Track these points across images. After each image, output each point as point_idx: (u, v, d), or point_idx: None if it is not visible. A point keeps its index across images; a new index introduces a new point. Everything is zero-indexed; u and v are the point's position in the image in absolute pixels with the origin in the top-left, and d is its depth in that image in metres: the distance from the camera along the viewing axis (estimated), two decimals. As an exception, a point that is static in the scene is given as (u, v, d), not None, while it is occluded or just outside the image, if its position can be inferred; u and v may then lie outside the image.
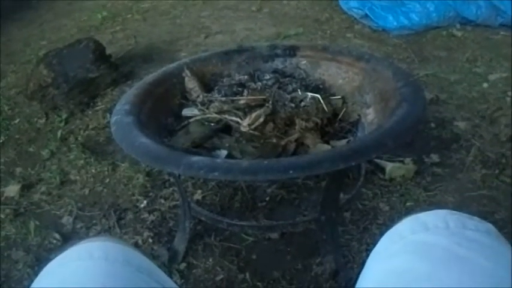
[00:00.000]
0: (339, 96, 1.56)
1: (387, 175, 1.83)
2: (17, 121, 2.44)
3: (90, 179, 2.00)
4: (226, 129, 1.46)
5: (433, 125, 2.11)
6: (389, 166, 1.84)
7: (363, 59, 1.56)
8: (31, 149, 2.23)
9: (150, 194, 1.88)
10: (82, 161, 2.08)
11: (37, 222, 1.80)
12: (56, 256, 0.66)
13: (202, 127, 1.47)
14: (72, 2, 4.05)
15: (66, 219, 1.82)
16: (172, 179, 1.84)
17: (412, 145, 1.97)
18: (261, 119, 1.41)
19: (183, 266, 1.56)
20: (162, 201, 1.83)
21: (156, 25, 3.44)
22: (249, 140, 1.40)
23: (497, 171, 1.85)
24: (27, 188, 1.99)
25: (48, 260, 0.66)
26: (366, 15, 3.06)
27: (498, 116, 2.15)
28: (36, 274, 0.65)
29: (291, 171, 1.13)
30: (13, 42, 3.43)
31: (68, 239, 1.73)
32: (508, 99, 2.27)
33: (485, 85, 2.41)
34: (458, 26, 2.99)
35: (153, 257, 1.58)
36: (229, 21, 3.34)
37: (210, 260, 1.58)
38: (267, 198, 1.76)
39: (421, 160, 1.91)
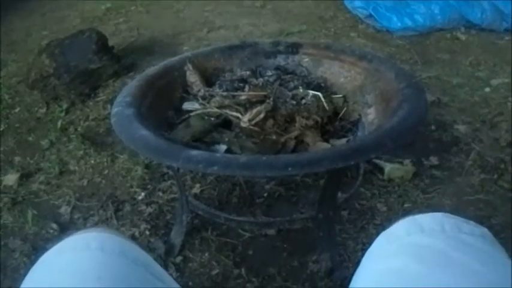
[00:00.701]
0: (340, 95, 1.56)
1: (386, 176, 1.83)
2: (17, 110, 2.44)
3: (88, 170, 2.00)
4: (227, 124, 1.45)
5: (433, 127, 2.10)
6: (388, 167, 1.84)
7: (366, 58, 1.56)
8: (31, 139, 2.23)
9: (148, 186, 1.88)
10: (81, 152, 2.08)
11: (35, 212, 1.80)
12: (52, 246, 0.66)
13: (202, 121, 1.46)
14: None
15: (64, 210, 1.82)
16: (171, 172, 1.84)
17: (411, 147, 1.96)
18: (262, 115, 1.41)
19: (179, 259, 1.56)
20: (160, 194, 1.83)
21: (159, 18, 3.44)
22: (249, 135, 1.40)
23: (495, 176, 1.84)
24: (25, 177, 1.99)
25: (45, 249, 0.65)
26: (370, 15, 3.06)
27: (499, 121, 2.14)
28: (32, 263, 0.65)
29: (289, 168, 1.13)
30: (15, 31, 3.43)
31: (65, 229, 1.73)
32: (510, 104, 2.26)
33: (487, 90, 2.40)
34: (462, 29, 2.99)
35: (150, 249, 1.58)
36: (232, 17, 3.34)
37: (206, 254, 1.58)
38: (265, 195, 1.76)
39: (420, 162, 1.91)
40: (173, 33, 3.14)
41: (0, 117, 2.38)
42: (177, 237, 1.58)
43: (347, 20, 3.22)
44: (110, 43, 2.64)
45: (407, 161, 1.87)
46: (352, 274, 0.68)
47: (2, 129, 2.31)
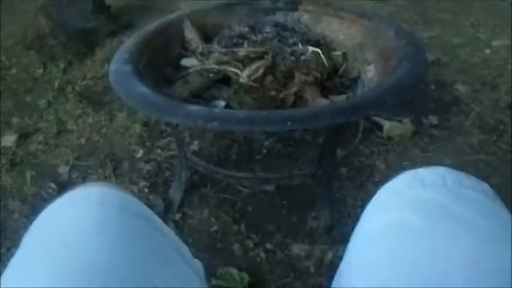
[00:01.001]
0: (340, 52, 1.54)
1: (385, 133, 1.83)
2: (14, 71, 2.42)
3: (87, 129, 1.99)
4: (225, 80, 1.44)
5: (433, 87, 2.09)
6: (387, 124, 1.83)
7: (366, 16, 1.55)
8: (28, 99, 2.22)
9: (147, 144, 1.87)
10: (79, 111, 2.07)
11: (33, 172, 1.80)
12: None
13: (201, 77, 1.45)
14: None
15: (63, 169, 1.82)
16: (169, 129, 1.83)
17: (411, 105, 1.95)
18: (261, 71, 1.40)
19: (178, 216, 1.57)
20: (159, 151, 1.83)
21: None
22: (248, 91, 1.39)
23: (495, 137, 1.85)
24: (24, 137, 1.98)
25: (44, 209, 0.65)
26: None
27: (499, 83, 2.14)
28: (32, 223, 0.64)
29: (288, 123, 1.13)
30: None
31: (64, 188, 1.72)
32: (510, 66, 2.25)
33: (487, 51, 2.39)
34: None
35: (149, 206, 1.57)
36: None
37: (205, 210, 1.58)
38: (264, 151, 1.76)
39: (420, 121, 1.90)
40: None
41: (-2, 79, 2.36)
42: (176, 194, 1.59)
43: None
44: (107, 2, 2.61)
45: (406, 120, 1.87)
46: (352, 230, 0.68)
47: (-1, 90, 2.29)
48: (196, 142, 1.82)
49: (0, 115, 2.13)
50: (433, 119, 1.91)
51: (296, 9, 1.64)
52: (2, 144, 1.95)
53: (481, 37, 2.51)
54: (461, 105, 2.00)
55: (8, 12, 3.02)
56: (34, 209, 1.65)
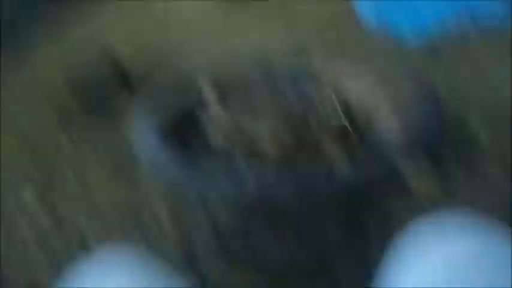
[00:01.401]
0: (362, 115, 1.56)
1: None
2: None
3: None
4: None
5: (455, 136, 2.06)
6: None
7: (388, 78, 1.60)
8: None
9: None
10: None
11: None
12: None
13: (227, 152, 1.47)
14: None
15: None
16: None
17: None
18: (287, 144, 1.42)
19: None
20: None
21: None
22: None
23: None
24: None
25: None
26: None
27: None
28: None
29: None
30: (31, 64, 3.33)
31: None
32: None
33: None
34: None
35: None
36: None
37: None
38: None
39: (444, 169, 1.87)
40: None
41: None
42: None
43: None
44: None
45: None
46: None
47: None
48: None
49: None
50: (457, 167, 1.88)
51: (317, 80, 1.65)
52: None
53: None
54: (486, 151, 1.96)
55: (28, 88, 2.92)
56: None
